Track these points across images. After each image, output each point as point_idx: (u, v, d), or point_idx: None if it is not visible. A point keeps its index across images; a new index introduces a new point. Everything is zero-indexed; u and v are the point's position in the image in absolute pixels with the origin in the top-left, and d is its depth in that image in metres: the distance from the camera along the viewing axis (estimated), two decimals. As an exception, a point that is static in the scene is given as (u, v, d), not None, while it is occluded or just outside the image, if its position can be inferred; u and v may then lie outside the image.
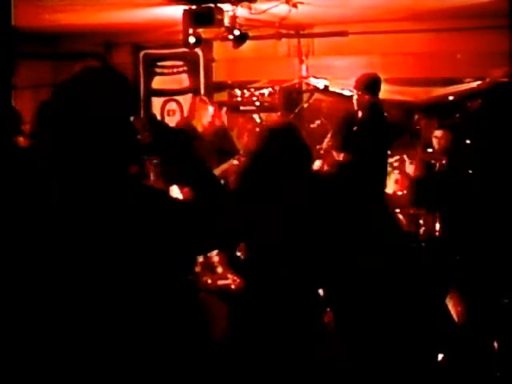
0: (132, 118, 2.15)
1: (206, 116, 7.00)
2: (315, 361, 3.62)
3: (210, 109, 7.07)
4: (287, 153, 3.80)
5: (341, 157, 6.12)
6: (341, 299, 4.17)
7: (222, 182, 7.09)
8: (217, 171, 6.77)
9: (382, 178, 6.15)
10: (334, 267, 3.90)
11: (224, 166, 6.76)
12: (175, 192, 6.73)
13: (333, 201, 3.98)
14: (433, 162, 6.53)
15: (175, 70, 8.62)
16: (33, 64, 8.24)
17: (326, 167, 6.21)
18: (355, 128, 6.14)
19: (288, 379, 3.50)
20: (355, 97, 6.19)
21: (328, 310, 4.06)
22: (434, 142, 6.49)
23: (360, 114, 6.17)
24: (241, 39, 6.59)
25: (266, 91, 7.96)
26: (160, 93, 8.73)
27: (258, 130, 6.67)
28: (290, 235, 3.75)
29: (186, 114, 7.85)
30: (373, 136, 5.96)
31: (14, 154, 3.85)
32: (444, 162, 6.35)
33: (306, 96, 7.93)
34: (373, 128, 6.02)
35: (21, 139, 4.13)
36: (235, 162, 6.82)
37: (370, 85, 6.16)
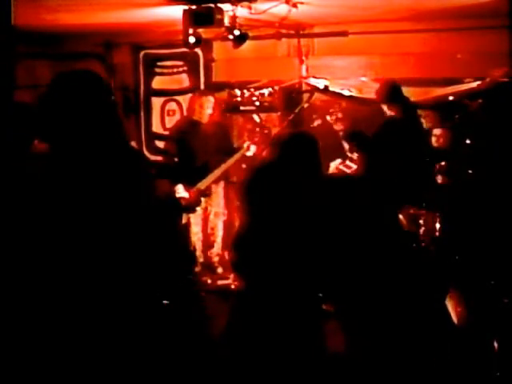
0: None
1: (208, 107, 7.03)
2: (314, 358, 3.61)
3: (211, 99, 7.09)
4: (301, 160, 3.88)
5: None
6: (343, 299, 4.17)
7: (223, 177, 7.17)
8: (225, 165, 6.79)
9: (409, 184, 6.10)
10: (336, 267, 3.91)
11: (233, 159, 6.77)
12: (181, 191, 6.74)
13: (340, 202, 4.01)
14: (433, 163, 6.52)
15: (175, 70, 8.62)
16: (32, 64, 8.25)
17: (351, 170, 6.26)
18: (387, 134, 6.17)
19: (287, 377, 3.50)
20: (386, 111, 6.26)
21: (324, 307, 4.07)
22: (433, 140, 6.49)
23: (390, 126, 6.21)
24: (241, 39, 6.59)
25: (265, 91, 7.95)
26: (160, 93, 8.73)
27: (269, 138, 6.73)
28: (292, 235, 3.76)
29: (185, 111, 7.86)
30: (406, 144, 6.01)
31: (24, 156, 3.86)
32: (443, 161, 6.34)
33: (305, 96, 7.92)
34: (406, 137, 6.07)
35: (36, 142, 4.07)
36: (249, 153, 6.83)
37: (392, 95, 6.24)
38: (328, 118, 6.57)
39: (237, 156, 6.79)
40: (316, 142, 4.28)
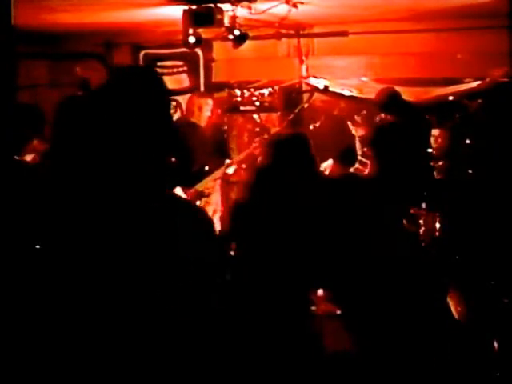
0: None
1: (206, 110, 7.02)
2: (308, 357, 3.61)
3: (210, 101, 7.08)
4: (294, 162, 3.88)
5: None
6: (344, 298, 4.17)
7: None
8: (211, 178, 6.78)
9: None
10: (336, 267, 3.91)
11: (217, 173, 6.76)
12: (178, 193, 6.74)
13: (337, 203, 4.00)
14: (431, 163, 6.51)
15: (175, 70, 8.62)
16: (32, 64, 8.24)
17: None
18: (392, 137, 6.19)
19: (281, 376, 3.50)
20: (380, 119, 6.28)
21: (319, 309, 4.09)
22: (432, 140, 6.49)
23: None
24: (241, 39, 6.59)
25: (265, 91, 7.95)
26: (160, 93, 8.72)
27: (265, 140, 6.68)
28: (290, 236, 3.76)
29: (184, 112, 7.86)
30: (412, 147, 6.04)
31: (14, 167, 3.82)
32: (441, 161, 6.33)
33: (306, 96, 7.92)
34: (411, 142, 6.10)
35: (35, 142, 4.02)
36: (229, 171, 6.81)
37: (387, 105, 6.25)
38: (349, 123, 6.51)
39: (220, 171, 6.75)
40: (308, 143, 4.25)
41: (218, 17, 6.17)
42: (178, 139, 2.11)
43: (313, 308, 4.13)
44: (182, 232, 2.00)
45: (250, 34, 6.74)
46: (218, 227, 7.25)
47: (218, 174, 6.73)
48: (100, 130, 2.00)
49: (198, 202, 6.88)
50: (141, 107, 2.00)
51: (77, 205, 2.01)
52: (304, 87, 7.98)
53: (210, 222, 2.14)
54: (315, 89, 7.76)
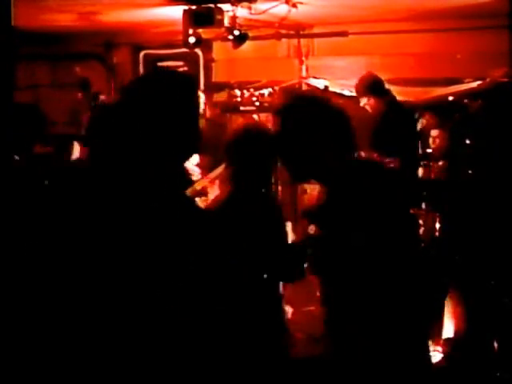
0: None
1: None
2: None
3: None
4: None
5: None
6: (338, 298, 4.16)
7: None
8: (212, 174, 6.77)
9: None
10: (330, 265, 3.89)
11: (214, 173, 6.74)
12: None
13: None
14: (431, 163, 6.51)
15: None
16: (33, 64, 8.25)
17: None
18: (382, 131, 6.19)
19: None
20: (364, 102, 6.26)
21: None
22: (431, 141, 6.49)
23: (379, 118, 6.24)
24: (241, 39, 6.60)
25: (265, 91, 7.95)
26: (160, 93, 8.72)
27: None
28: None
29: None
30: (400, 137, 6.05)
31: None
32: (441, 161, 6.34)
33: (305, 96, 7.92)
34: (399, 130, 6.11)
35: (37, 146, 4.01)
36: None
37: (373, 87, 6.23)
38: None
39: (217, 171, 6.73)
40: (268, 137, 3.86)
41: (218, 17, 6.17)
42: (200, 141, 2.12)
43: (312, 308, 4.14)
44: (184, 233, 2.01)
45: (250, 34, 6.75)
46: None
47: (214, 174, 6.72)
48: (133, 136, 2.00)
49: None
50: (172, 112, 2.00)
51: (83, 206, 2.02)
52: (304, 87, 7.98)
53: (213, 224, 2.14)
54: (315, 89, 7.76)
